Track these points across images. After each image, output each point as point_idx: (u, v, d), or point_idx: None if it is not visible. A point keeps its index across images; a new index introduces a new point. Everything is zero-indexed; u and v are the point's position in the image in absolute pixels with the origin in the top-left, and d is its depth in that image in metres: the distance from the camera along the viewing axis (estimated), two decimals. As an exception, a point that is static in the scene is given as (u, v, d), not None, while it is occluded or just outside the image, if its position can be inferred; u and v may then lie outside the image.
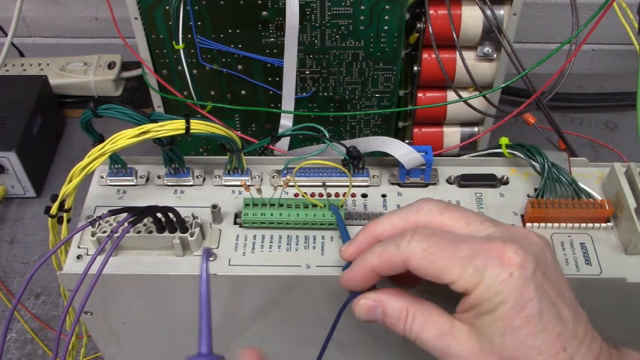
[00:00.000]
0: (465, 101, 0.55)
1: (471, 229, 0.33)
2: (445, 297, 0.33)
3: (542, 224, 0.41)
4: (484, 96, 0.55)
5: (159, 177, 0.44)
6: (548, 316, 0.30)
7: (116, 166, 0.44)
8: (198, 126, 0.39)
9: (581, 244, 0.41)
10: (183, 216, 0.39)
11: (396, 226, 0.35)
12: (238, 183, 0.44)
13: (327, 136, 0.44)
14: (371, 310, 0.34)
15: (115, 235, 0.38)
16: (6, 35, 0.75)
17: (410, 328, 0.33)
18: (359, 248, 0.36)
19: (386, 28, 0.55)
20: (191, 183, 0.44)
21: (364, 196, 0.44)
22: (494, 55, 0.56)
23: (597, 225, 0.41)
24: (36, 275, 0.36)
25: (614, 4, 0.48)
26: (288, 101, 0.56)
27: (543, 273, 0.31)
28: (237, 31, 0.56)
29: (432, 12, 0.54)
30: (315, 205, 0.41)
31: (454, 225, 0.34)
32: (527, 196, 0.43)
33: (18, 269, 0.65)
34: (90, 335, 0.46)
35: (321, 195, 0.43)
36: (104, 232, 0.39)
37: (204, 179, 0.44)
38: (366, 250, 0.35)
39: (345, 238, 0.39)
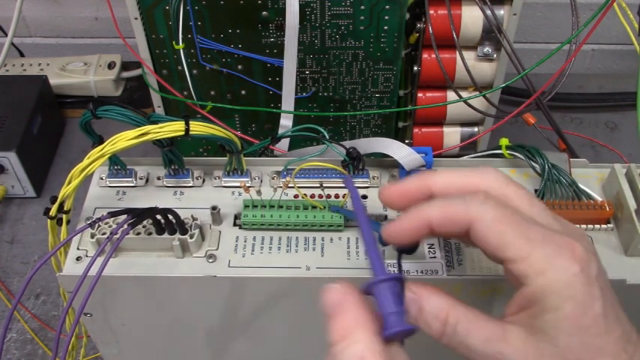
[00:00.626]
0: (465, 101, 0.55)
1: (533, 212, 0.31)
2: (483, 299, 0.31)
3: (542, 225, 0.41)
4: (484, 96, 0.55)
5: (158, 178, 0.44)
6: (612, 317, 0.29)
7: (116, 167, 0.44)
8: (197, 127, 0.39)
9: (581, 245, 0.41)
10: (182, 217, 0.39)
11: (454, 182, 0.32)
12: (238, 184, 0.44)
13: (327, 137, 0.44)
14: (407, 303, 0.31)
15: (115, 236, 0.38)
16: (6, 35, 0.75)
17: (453, 332, 0.30)
18: (407, 192, 0.33)
19: (386, 28, 0.55)
20: (191, 184, 0.44)
21: (364, 197, 0.43)
22: (494, 55, 0.56)
23: (597, 226, 0.41)
24: (36, 275, 0.36)
25: (614, 4, 0.48)
26: (288, 101, 0.56)
27: (602, 273, 0.30)
28: (237, 31, 0.56)
29: (432, 12, 0.54)
30: (314, 207, 0.41)
31: (518, 201, 0.31)
32: (528, 196, 0.43)
33: (18, 269, 0.65)
34: (90, 335, 0.46)
35: (320, 196, 0.43)
36: (103, 233, 0.39)
37: (203, 180, 0.44)
38: (415, 198, 0.32)
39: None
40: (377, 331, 0.28)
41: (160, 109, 0.63)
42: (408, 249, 0.33)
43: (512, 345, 0.29)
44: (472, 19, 0.54)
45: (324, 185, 0.44)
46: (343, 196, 0.43)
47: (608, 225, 0.41)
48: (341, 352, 0.28)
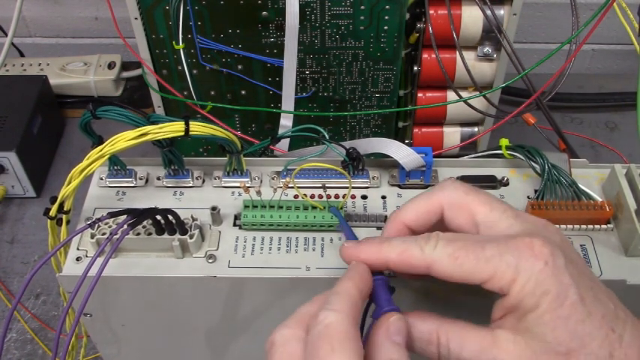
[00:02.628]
0: (465, 101, 0.55)
1: (494, 217, 0.33)
2: (470, 310, 0.32)
3: (542, 226, 0.41)
4: (484, 96, 0.55)
5: (158, 178, 0.44)
6: (589, 300, 0.29)
7: (115, 167, 0.44)
8: (197, 128, 0.39)
9: (581, 245, 0.41)
10: (182, 218, 0.39)
11: (420, 210, 0.34)
12: (238, 184, 0.44)
13: (327, 137, 0.44)
14: (401, 336, 0.31)
15: (115, 237, 0.38)
16: (6, 35, 0.75)
17: (447, 351, 0.31)
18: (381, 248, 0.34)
19: (386, 28, 0.55)
20: (190, 184, 0.44)
21: (364, 197, 0.43)
22: (494, 55, 0.56)
23: (597, 226, 0.41)
24: (36, 275, 0.36)
25: (614, 4, 0.48)
26: (288, 101, 0.56)
27: (571, 260, 0.30)
28: (237, 31, 0.56)
29: (432, 12, 0.54)
30: (314, 207, 0.41)
31: (477, 208, 0.33)
32: (527, 197, 0.43)
33: (18, 269, 0.65)
34: (90, 335, 0.46)
35: (320, 197, 0.43)
36: (103, 234, 0.39)
37: (203, 181, 0.44)
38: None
39: (350, 236, 0.38)
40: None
41: (160, 109, 0.63)
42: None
43: (504, 349, 0.30)
44: (472, 19, 0.54)
45: (324, 185, 0.44)
46: (343, 197, 0.43)
47: (608, 225, 0.41)
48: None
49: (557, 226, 0.41)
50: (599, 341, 0.29)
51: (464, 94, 0.58)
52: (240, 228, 0.42)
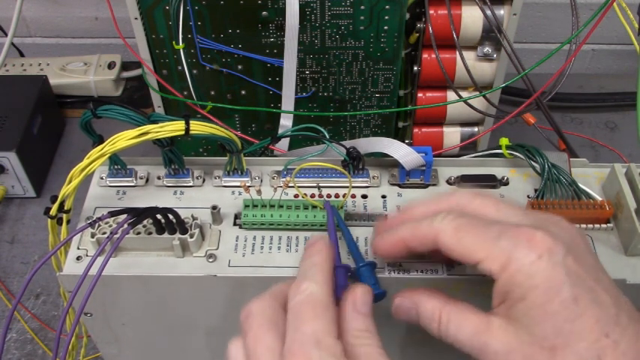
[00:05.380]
0: (465, 101, 0.55)
1: (500, 215, 0.33)
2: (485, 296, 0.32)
3: (542, 225, 0.41)
4: (484, 96, 0.55)
5: (158, 178, 0.44)
6: (585, 301, 0.29)
7: (116, 166, 0.44)
8: (197, 127, 0.39)
9: (581, 244, 0.41)
10: (182, 217, 0.39)
11: (429, 208, 0.36)
12: (238, 184, 0.44)
13: (327, 136, 0.44)
14: (407, 311, 0.34)
15: (115, 236, 0.38)
16: (6, 35, 0.75)
17: (446, 331, 0.32)
18: (391, 226, 0.36)
19: (386, 28, 0.55)
20: (191, 184, 0.44)
21: (364, 197, 0.44)
22: (494, 55, 0.56)
23: (597, 226, 0.41)
24: (36, 275, 0.36)
25: (614, 4, 0.48)
26: (288, 101, 0.56)
27: (576, 258, 0.30)
28: (237, 31, 0.56)
29: (432, 12, 0.54)
30: (314, 206, 0.41)
31: (484, 210, 0.34)
32: (528, 196, 0.43)
33: (18, 269, 0.65)
34: (90, 335, 0.46)
35: (320, 196, 0.43)
36: (104, 233, 0.39)
37: (203, 180, 0.44)
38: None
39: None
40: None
41: (160, 109, 0.63)
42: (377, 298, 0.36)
43: (495, 336, 0.31)
44: (472, 19, 0.54)
45: (324, 185, 0.44)
46: (343, 196, 0.43)
47: (608, 225, 0.41)
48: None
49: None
50: (587, 343, 0.29)
51: (464, 94, 0.58)
52: (241, 227, 0.42)
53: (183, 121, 0.38)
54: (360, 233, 0.41)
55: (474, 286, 0.38)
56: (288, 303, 0.31)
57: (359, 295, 0.32)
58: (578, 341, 0.29)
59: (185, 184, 0.44)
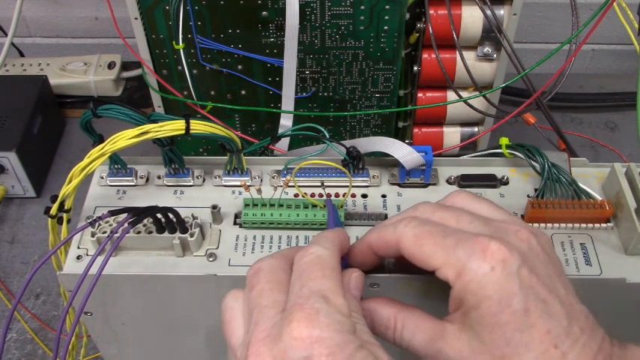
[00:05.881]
0: (465, 101, 0.55)
1: (461, 225, 0.33)
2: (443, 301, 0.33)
3: (542, 225, 0.41)
4: (484, 96, 0.55)
5: (159, 177, 0.44)
6: (536, 313, 0.30)
7: (116, 166, 0.44)
8: (197, 126, 0.39)
9: (581, 244, 0.41)
10: (183, 216, 0.39)
11: (397, 217, 0.36)
12: (238, 183, 0.44)
13: (327, 136, 0.44)
14: (367, 318, 0.34)
15: (115, 235, 0.38)
16: (6, 35, 0.75)
17: (400, 337, 0.33)
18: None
19: (386, 28, 0.55)
20: (191, 183, 0.44)
21: (364, 196, 0.44)
22: (494, 55, 0.56)
23: (597, 225, 0.41)
24: (36, 275, 0.36)
25: (614, 4, 0.48)
26: (288, 101, 0.56)
27: (531, 269, 0.31)
28: (237, 31, 0.56)
29: (432, 12, 0.54)
30: (315, 206, 0.41)
31: (446, 220, 0.34)
32: (527, 196, 0.43)
33: (18, 269, 0.65)
34: (90, 335, 0.46)
35: (320, 195, 0.43)
36: (104, 232, 0.39)
37: (204, 179, 0.44)
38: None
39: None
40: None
41: (160, 109, 0.63)
42: None
43: (448, 343, 0.31)
44: (472, 19, 0.54)
45: (324, 184, 0.44)
46: (343, 195, 0.43)
47: (608, 224, 0.41)
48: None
49: (558, 225, 0.41)
50: (535, 354, 0.29)
51: (464, 94, 0.58)
52: (241, 226, 0.42)
53: (184, 121, 0.38)
54: (360, 232, 0.41)
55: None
56: (294, 264, 0.32)
57: (354, 278, 0.33)
58: (527, 352, 0.29)
59: (185, 184, 0.44)
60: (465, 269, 0.30)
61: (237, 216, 0.42)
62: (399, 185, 0.44)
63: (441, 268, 0.31)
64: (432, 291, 0.38)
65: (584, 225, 0.41)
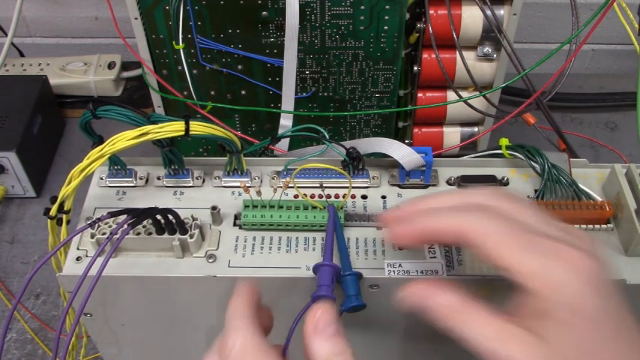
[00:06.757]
0: (465, 101, 0.55)
1: (540, 226, 0.32)
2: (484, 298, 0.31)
3: (542, 225, 0.41)
4: (484, 96, 0.55)
5: (158, 178, 0.44)
6: (611, 327, 0.29)
7: (115, 167, 0.44)
8: (197, 127, 0.39)
9: (581, 245, 0.41)
10: (182, 217, 0.39)
11: (453, 201, 0.34)
12: (238, 184, 0.44)
13: (327, 137, 0.44)
14: (420, 299, 0.32)
15: (115, 236, 0.38)
16: (6, 35, 0.75)
17: (456, 326, 0.31)
18: (407, 215, 0.34)
19: (386, 28, 0.55)
20: (190, 184, 0.44)
21: (364, 197, 0.43)
22: (494, 55, 0.56)
23: (597, 226, 0.41)
24: (36, 275, 0.36)
25: (614, 4, 0.48)
26: (288, 101, 0.56)
27: (609, 283, 0.30)
28: (237, 31, 0.56)
29: (432, 12, 0.54)
30: (314, 207, 0.41)
31: (521, 215, 0.32)
32: (528, 197, 0.43)
33: (18, 269, 0.65)
34: (90, 335, 0.46)
35: (320, 196, 0.43)
36: (103, 233, 0.39)
37: (203, 180, 0.44)
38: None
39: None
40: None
41: (160, 109, 0.63)
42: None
43: (514, 346, 0.29)
44: (472, 19, 0.54)
45: (324, 185, 0.44)
46: (343, 196, 0.43)
47: (608, 225, 0.41)
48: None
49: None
50: None
51: (464, 94, 0.58)
52: (241, 228, 0.42)
53: (183, 122, 0.38)
54: (360, 234, 0.41)
55: (474, 287, 0.38)
56: None
57: (319, 317, 0.31)
58: None
59: (185, 185, 0.44)
60: (542, 274, 0.29)
61: (236, 217, 0.42)
62: (399, 186, 0.44)
63: (514, 269, 0.30)
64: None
65: (584, 226, 0.41)
